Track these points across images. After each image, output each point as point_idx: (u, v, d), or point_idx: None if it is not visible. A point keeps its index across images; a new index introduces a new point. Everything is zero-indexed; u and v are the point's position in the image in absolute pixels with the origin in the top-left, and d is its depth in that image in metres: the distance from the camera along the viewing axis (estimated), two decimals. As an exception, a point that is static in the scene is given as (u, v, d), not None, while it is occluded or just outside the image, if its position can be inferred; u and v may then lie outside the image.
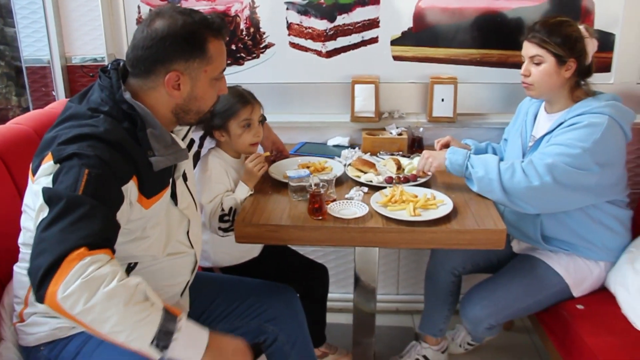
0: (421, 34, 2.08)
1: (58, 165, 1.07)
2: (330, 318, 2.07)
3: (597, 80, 2.06)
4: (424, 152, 1.71)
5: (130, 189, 1.14)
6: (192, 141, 1.43)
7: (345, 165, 1.84)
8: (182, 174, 1.35)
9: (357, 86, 2.05)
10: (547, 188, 1.51)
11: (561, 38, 1.56)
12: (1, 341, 1.24)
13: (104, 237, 1.02)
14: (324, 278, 1.94)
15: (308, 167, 1.80)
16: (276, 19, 2.10)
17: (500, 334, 2.14)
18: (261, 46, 2.13)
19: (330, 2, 2.05)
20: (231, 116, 1.66)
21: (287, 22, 2.10)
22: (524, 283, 1.69)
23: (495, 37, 2.07)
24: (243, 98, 1.69)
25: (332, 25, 2.08)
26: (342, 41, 2.10)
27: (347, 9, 2.06)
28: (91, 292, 0.94)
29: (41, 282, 0.95)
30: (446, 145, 1.82)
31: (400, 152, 1.97)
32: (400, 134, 2.02)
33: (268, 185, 1.74)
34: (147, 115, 1.19)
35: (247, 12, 2.09)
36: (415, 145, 2.02)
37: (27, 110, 2.35)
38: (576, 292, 1.69)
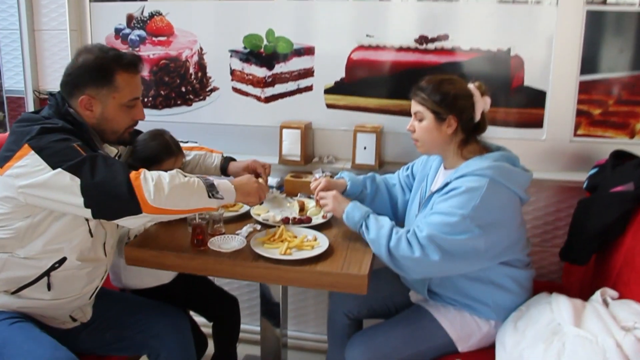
0: (353, 85, 2.18)
1: (39, 154, 1.33)
2: (243, 349, 2.13)
3: (528, 136, 2.09)
4: (332, 192, 1.71)
5: None
6: None
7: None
8: None
9: (284, 131, 2.17)
10: (430, 259, 1.50)
11: (440, 96, 1.58)
12: None
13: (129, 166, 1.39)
14: (233, 308, 2.02)
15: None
16: (221, 65, 2.28)
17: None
18: (207, 89, 2.31)
19: (269, 51, 2.21)
20: (154, 164, 1.73)
21: (231, 68, 2.27)
22: (405, 332, 1.68)
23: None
24: (169, 149, 1.79)
25: (270, 72, 2.23)
26: (279, 88, 2.25)
27: (284, 58, 2.21)
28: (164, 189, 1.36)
29: (130, 201, 1.31)
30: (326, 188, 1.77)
31: (316, 195, 2.05)
32: (324, 178, 2.11)
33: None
34: (82, 124, 1.47)
35: (195, 58, 2.28)
36: (337, 190, 2.09)
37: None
38: (462, 347, 1.67)
